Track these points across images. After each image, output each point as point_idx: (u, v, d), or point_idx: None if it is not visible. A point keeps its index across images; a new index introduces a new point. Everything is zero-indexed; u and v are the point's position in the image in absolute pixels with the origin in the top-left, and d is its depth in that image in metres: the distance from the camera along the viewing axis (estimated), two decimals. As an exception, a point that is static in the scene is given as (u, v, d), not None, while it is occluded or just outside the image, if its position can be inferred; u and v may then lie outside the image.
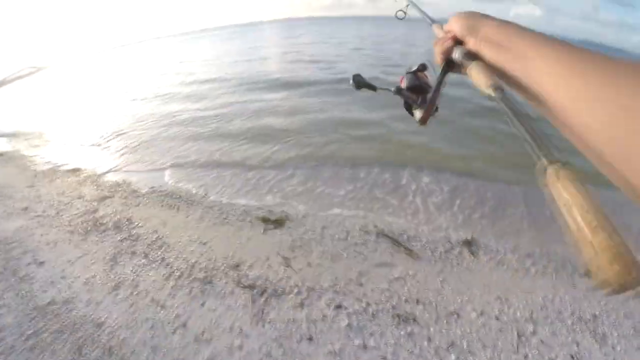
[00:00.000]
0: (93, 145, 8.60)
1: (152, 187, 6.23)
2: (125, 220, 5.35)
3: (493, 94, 0.67)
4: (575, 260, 4.02)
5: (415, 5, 1.54)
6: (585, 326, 3.48)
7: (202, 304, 3.88)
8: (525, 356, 3.20)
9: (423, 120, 1.01)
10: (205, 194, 5.95)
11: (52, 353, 3.53)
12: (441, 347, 3.30)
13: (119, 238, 4.97)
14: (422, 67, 1.14)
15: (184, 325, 3.66)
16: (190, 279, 4.22)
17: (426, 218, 5.21)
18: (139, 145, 8.28)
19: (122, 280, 4.29)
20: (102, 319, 3.81)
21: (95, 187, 6.37)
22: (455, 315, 3.61)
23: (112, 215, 5.50)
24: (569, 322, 3.53)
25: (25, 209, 5.80)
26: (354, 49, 26.27)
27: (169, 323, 3.70)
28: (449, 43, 0.89)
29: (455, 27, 0.90)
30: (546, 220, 5.08)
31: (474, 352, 3.25)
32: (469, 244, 4.60)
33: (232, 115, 10.13)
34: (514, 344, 3.32)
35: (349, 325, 3.57)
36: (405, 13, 1.80)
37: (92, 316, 3.86)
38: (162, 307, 3.88)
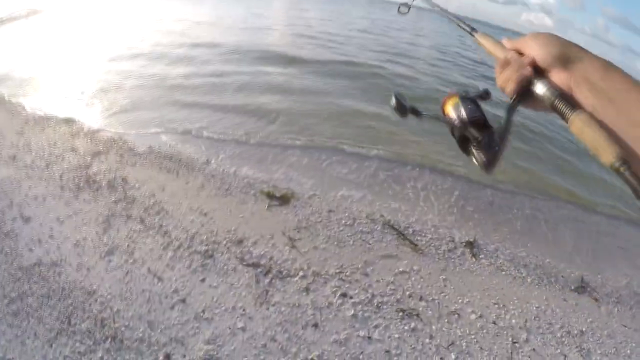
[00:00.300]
0: (87, 97, 8.14)
1: (150, 147, 5.87)
2: (121, 179, 5.02)
3: (619, 169, 0.58)
4: (568, 276, 4.33)
5: (446, 12, 1.34)
6: (573, 340, 3.59)
7: (203, 280, 3.65)
8: (518, 363, 3.27)
9: (489, 166, 0.85)
10: (207, 161, 5.62)
11: (38, 320, 3.27)
12: (442, 346, 3.28)
13: (113, 199, 4.65)
14: (486, 95, 0.96)
15: (183, 301, 3.44)
16: (190, 251, 3.96)
17: (432, 215, 5.05)
18: (136, 103, 7.83)
19: (115, 245, 4.01)
20: (94, 287, 3.55)
21: (89, 140, 5.97)
22: (456, 315, 3.61)
23: (107, 172, 5.16)
24: (559, 334, 3.62)
25: (13, 157, 5.40)
26: (361, 30, 25.70)
27: (166, 297, 3.47)
28: (528, 71, 0.78)
29: (538, 51, 0.79)
30: (544, 233, 5.20)
31: (472, 353, 3.26)
32: (471, 245, 4.52)
33: (228, 85, 9.70)
34: (508, 350, 3.38)
35: (354, 315, 3.46)
36: (408, 9, 1.71)
37: (83, 283, 3.59)
38: (160, 279, 3.64)
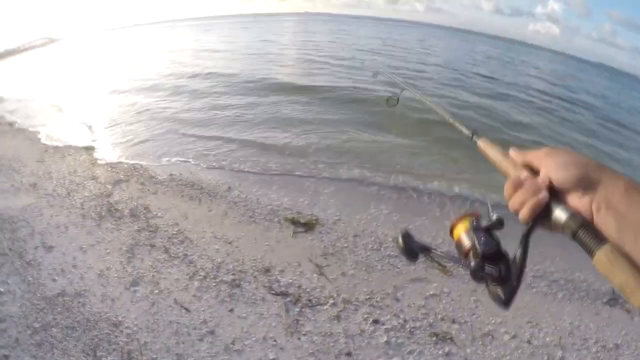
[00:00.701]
0: (103, 127, 8.18)
1: (171, 175, 5.82)
2: (143, 208, 4.96)
3: None
4: (599, 289, 4.14)
5: (442, 110, 1.21)
6: (608, 354, 3.45)
7: (231, 310, 3.54)
8: (556, 381, 3.17)
9: (507, 303, 0.77)
10: (229, 188, 5.55)
11: (62, 352, 3.17)
12: None
13: (136, 227, 4.59)
14: (499, 224, 0.84)
15: (212, 332, 3.32)
16: (217, 280, 3.86)
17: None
18: (154, 133, 7.86)
19: (140, 275, 3.92)
20: (120, 318, 3.45)
21: (110, 168, 5.96)
22: (490, 337, 3.48)
23: (128, 201, 5.11)
24: (594, 349, 3.47)
25: (34, 185, 5.39)
26: (370, 50, 25.86)
27: (194, 329, 3.35)
28: (545, 197, 0.72)
29: (556, 172, 0.73)
30: (570, 246, 4.93)
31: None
32: None
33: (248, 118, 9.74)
34: None
35: (387, 342, 3.33)
36: (397, 100, 1.66)
37: (108, 314, 3.49)
38: (187, 310, 3.53)
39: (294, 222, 4.79)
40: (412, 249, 0.90)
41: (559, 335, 3.55)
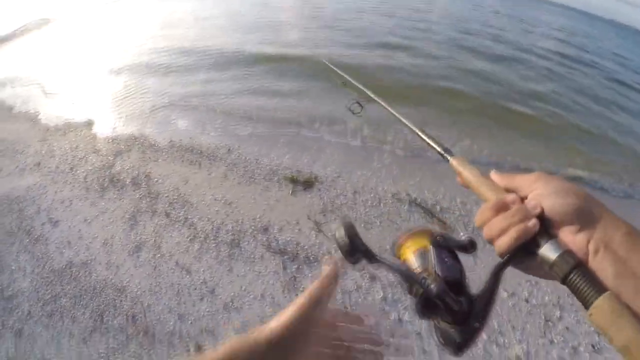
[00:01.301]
0: (105, 99, 8.21)
1: (171, 141, 5.86)
2: (144, 176, 5.04)
3: None
4: None
5: (411, 126, 1.02)
6: None
7: (230, 270, 3.63)
8: (551, 341, 3.13)
9: (461, 348, 0.61)
10: (229, 150, 5.56)
11: (72, 319, 3.32)
12: None
13: (137, 195, 4.67)
14: (471, 247, 0.72)
15: (212, 292, 3.43)
16: (217, 241, 3.94)
17: (459, 190, 4.81)
18: (153, 104, 7.80)
19: (143, 241, 4.02)
20: (124, 284, 3.58)
21: (111, 140, 6.02)
22: None
23: (130, 170, 5.18)
24: None
25: (38, 164, 5.50)
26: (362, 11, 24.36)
27: (195, 289, 3.46)
28: (535, 225, 0.59)
29: (550, 200, 0.61)
30: None
31: (504, 333, 3.13)
32: None
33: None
34: (541, 329, 3.24)
35: (384, 297, 3.38)
36: (361, 107, 1.59)
37: (113, 280, 3.63)
38: (188, 271, 3.63)
39: (293, 180, 4.80)
40: (356, 248, 0.73)
41: (558, 295, 3.53)
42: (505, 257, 0.62)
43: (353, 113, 1.56)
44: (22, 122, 7.15)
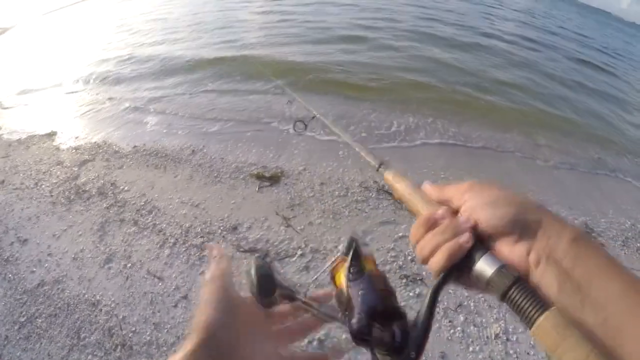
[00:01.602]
0: (67, 107, 8.09)
1: (135, 147, 5.83)
2: (110, 184, 5.02)
3: None
4: (570, 223, 4.08)
5: (350, 141, 1.06)
6: None
7: (202, 273, 3.66)
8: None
9: None
10: (193, 152, 5.56)
11: (49, 340, 3.35)
12: (450, 309, 3.21)
13: (104, 205, 4.67)
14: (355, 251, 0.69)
15: (185, 297, 3.48)
16: (186, 245, 3.98)
17: (427, 174, 4.90)
18: (114, 110, 7.70)
19: (113, 252, 4.04)
20: (97, 298, 3.61)
21: (74, 150, 5.96)
22: None
23: (95, 180, 5.16)
24: None
25: (2, 182, 5.43)
26: None
27: (168, 296, 3.51)
28: (468, 241, 0.56)
29: (483, 212, 0.57)
30: (541, 180, 5.11)
31: (480, 312, 3.18)
32: None
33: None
34: None
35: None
36: (305, 125, 1.57)
37: (86, 295, 3.65)
38: (160, 278, 3.68)
39: (259, 176, 4.83)
40: (268, 286, 0.69)
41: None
42: (440, 277, 0.58)
43: (298, 133, 1.58)
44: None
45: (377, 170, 0.86)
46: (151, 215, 4.42)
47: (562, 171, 5.37)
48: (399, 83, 7.76)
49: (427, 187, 0.70)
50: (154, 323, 3.30)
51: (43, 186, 5.19)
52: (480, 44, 11.84)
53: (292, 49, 9.95)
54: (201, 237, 4.05)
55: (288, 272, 3.58)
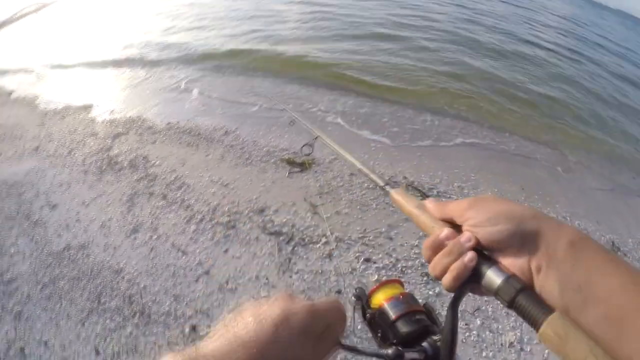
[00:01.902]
0: (103, 82, 8.22)
1: (169, 124, 5.86)
2: (142, 158, 5.05)
3: None
4: (597, 240, 3.85)
5: (360, 162, 1.12)
6: None
7: (226, 251, 3.64)
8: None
9: None
10: (226, 132, 5.55)
11: (70, 301, 3.36)
12: (467, 312, 3.11)
13: (135, 178, 4.69)
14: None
15: (207, 272, 3.45)
16: (213, 223, 3.95)
17: (458, 174, 4.77)
18: (152, 86, 7.80)
19: (140, 223, 4.05)
20: (121, 265, 3.61)
21: (109, 123, 6.04)
22: None
23: (127, 153, 5.20)
24: None
25: (36, 148, 5.53)
26: None
27: (191, 270, 3.48)
28: (472, 261, 0.60)
29: (484, 229, 0.61)
30: (575, 193, 4.87)
31: (497, 318, 3.07)
32: None
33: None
34: None
35: (377, 280, 3.29)
36: (311, 148, 1.60)
37: (110, 262, 3.66)
38: (184, 253, 3.66)
39: (290, 162, 4.78)
40: None
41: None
42: (455, 293, 0.63)
43: (305, 155, 1.57)
44: (20, 107, 7.19)
45: (383, 189, 0.93)
46: (180, 191, 4.41)
47: (593, 187, 5.11)
48: (430, 84, 7.58)
49: (430, 205, 0.74)
50: (174, 295, 3.27)
51: (76, 155, 5.26)
52: (519, 51, 11.31)
53: (322, 45, 9.80)
54: (228, 216, 4.01)
55: (311, 259, 3.52)
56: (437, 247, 0.65)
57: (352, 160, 1.10)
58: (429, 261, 0.67)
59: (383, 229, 3.82)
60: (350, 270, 3.41)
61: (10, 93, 8.01)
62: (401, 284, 0.78)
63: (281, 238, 3.73)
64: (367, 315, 0.76)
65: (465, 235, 0.63)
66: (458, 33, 12.09)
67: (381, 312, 0.73)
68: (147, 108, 6.54)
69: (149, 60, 9.31)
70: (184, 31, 11.70)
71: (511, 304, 0.55)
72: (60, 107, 6.77)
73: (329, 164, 4.76)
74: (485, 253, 0.62)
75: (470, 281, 0.61)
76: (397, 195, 0.85)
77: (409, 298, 0.77)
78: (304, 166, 4.70)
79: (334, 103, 6.50)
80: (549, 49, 12.50)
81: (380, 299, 0.75)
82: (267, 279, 3.35)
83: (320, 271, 3.39)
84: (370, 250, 3.59)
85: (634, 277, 0.50)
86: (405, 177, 4.55)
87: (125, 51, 9.94)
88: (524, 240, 0.57)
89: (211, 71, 8.35)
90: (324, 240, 3.69)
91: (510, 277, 0.56)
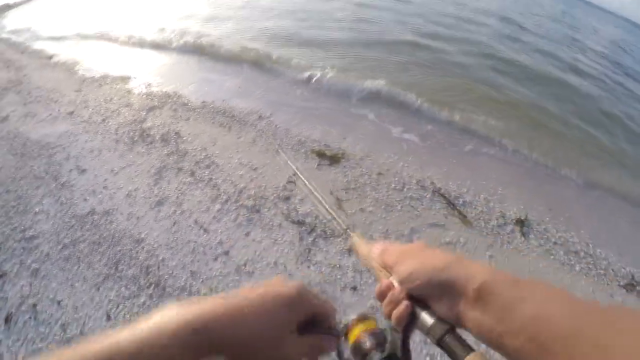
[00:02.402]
0: (143, 54, 8.30)
1: (204, 102, 5.86)
2: (174, 133, 5.05)
3: None
4: (618, 270, 3.84)
5: (327, 206, 1.12)
6: None
7: (247, 234, 3.59)
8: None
9: None
10: (260, 117, 5.52)
11: (88, 265, 3.36)
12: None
13: (165, 152, 4.69)
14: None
15: (227, 253, 3.40)
16: (237, 204, 3.91)
17: (485, 186, 4.64)
18: (191, 63, 7.85)
19: (165, 196, 4.03)
20: (142, 236, 3.59)
21: (145, 96, 6.06)
22: None
23: (160, 127, 5.20)
24: None
25: (71, 113, 5.57)
26: None
27: (210, 249, 3.44)
28: (406, 307, 0.68)
29: (406, 283, 0.70)
30: (599, 221, 4.61)
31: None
32: (522, 223, 4.11)
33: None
34: None
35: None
36: (294, 184, 1.62)
37: (132, 231, 3.65)
38: (206, 230, 3.62)
39: (320, 154, 4.71)
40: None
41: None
42: (402, 334, 0.69)
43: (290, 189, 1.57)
44: (59, 71, 7.29)
45: (345, 232, 0.98)
46: (209, 170, 4.38)
47: (621, 216, 4.91)
48: (463, 97, 7.42)
49: (376, 252, 0.81)
50: (191, 271, 3.24)
51: (110, 124, 5.29)
52: (561, 79, 10.70)
53: (361, 51, 9.70)
54: (253, 199, 3.96)
55: (330, 252, 3.45)
56: (381, 295, 0.74)
57: (322, 204, 1.12)
58: (381, 305, 0.74)
59: (406, 232, 3.74)
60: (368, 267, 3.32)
61: (51, 57, 8.14)
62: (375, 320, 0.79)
63: (303, 228, 3.67)
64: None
65: (398, 288, 0.71)
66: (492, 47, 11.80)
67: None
68: (184, 85, 6.55)
69: (193, 36, 9.37)
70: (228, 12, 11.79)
71: (439, 343, 0.62)
72: (99, 76, 6.84)
73: (358, 160, 4.69)
74: (420, 298, 0.69)
75: (412, 324, 0.68)
76: (354, 240, 0.93)
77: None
78: (333, 159, 4.63)
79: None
80: (593, 76, 11.93)
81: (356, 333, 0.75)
82: (285, 266, 3.29)
83: (338, 265, 3.31)
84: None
85: (543, 307, 0.54)
86: (432, 183, 4.44)
87: (170, 28, 10.02)
88: (441, 289, 0.65)
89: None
90: (345, 235, 3.60)
91: (438, 320, 0.64)
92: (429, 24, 13.07)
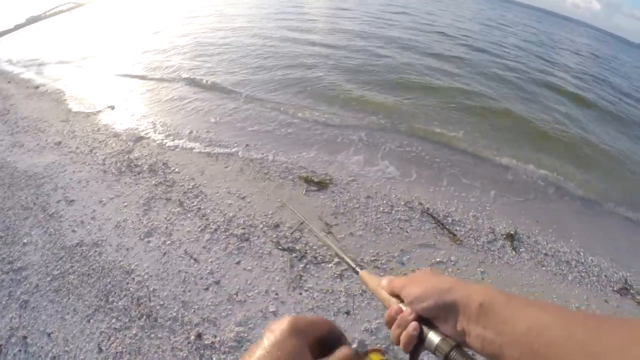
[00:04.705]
0: (128, 86, 8.36)
1: (191, 132, 5.94)
2: (161, 163, 5.09)
3: None
4: (611, 276, 3.97)
5: (337, 248, 1.19)
6: None
7: (238, 263, 3.62)
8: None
9: None
10: (246, 146, 5.61)
11: (78, 297, 3.35)
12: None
13: (153, 182, 4.72)
14: None
15: (218, 282, 3.43)
16: (227, 234, 3.95)
17: (473, 204, 4.78)
18: (178, 93, 7.93)
19: (154, 227, 4.05)
20: (132, 267, 3.61)
21: (132, 126, 6.12)
22: None
23: (148, 157, 5.25)
24: None
25: (58, 143, 5.60)
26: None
27: (201, 278, 3.47)
28: (415, 331, 0.72)
29: (415, 305, 0.75)
30: (588, 229, 4.78)
31: None
32: (511, 238, 4.23)
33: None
34: None
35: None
36: (300, 232, 1.60)
37: (122, 262, 3.66)
38: (196, 260, 3.64)
39: (308, 180, 4.79)
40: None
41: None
42: (409, 356, 0.75)
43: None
44: (46, 101, 7.32)
45: (353, 270, 1.03)
46: (197, 199, 4.42)
47: (612, 224, 5.01)
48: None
49: (384, 282, 0.88)
50: (182, 301, 3.25)
51: (97, 154, 5.31)
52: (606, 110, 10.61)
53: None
54: (242, 228, 4.01)
55: (322, 277, 3.49)
56: (391, 320, 0.78)
57: (332, 246, 1.20)
58: (389, 330, 0.79)
59: (396, 254, 3.80)
60: (360, 291, 3.38)
61: (37, 86, 8.20)
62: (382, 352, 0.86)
63: (294, 254, 3.71)
64: None
65: (407, 311, 0.75)
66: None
67: None
68: (170, 116, 6.63)
69: (175, 68, 9.47)
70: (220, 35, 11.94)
71: (445, 358, 0.66)
72: (86, 106, 6.89)
73: (346, 185, 4.79)
74: (427, 319, 0.73)
75: (419, 345, 0.72)
76: (364, 276, 0.98)
77: None
78: (321, 185, 4.71)
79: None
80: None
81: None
82: (276, 294, 3.32)
83: (330, 290, 3.36)
84: (382, 274, 3.52)
85: (537, 319, 0.58)
86: (420, 204, 4.54)
87: (152, 59, 10.11)
88: (446, 310, 0.69)
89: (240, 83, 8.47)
90: (336, 260, 3.66)
91: (444, 338, 0.68)
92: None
